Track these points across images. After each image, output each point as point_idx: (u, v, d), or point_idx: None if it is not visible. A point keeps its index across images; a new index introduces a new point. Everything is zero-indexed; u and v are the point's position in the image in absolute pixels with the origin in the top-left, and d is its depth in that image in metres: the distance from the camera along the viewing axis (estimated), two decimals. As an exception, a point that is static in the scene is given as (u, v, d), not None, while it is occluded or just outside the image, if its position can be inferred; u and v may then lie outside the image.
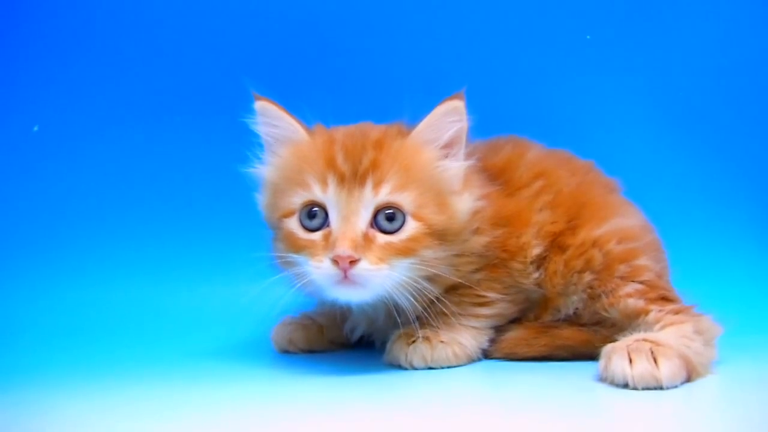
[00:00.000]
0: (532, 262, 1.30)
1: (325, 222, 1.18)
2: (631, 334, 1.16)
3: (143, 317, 1.70)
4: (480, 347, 1.29)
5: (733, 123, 1.88)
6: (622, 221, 1.31)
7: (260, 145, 1.28)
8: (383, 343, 1.31)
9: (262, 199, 1.29)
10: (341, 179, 1.17)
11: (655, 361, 1.08)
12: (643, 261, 1.26)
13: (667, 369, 1.07)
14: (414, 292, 1.18)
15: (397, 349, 1.26)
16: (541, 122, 1.81)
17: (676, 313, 1.22)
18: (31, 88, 1.88)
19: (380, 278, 1.14)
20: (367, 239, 1.15)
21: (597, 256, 1.27)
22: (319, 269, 1.14)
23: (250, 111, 1.25)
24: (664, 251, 1.35)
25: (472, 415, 1.00)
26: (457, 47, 1.88)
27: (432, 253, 1.19)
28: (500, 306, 1.30)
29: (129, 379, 1.25)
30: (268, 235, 1.28)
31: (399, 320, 1.22)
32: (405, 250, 1.16)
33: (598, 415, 1.01)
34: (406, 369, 1.24)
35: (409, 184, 1.18)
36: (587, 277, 1.27)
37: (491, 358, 1.30)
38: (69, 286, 1.78)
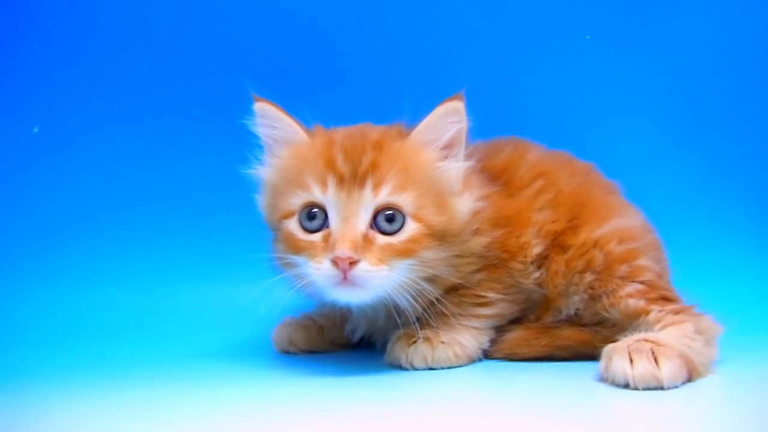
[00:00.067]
0: (532, 262, 1.30)
1: (324, 223, 1.18)
2: (632, 334, 1.16)
3: (144, 318, 1.70)
4: (481, 347, 1.29)
5: (733, 123, 1.88)
6: (622, 221, 1.31)
7: (260, 147, 1.28)
8: (384, 344, 1.31)
9: (261, 201, 1.29)
10: (341, 180, 1.17)
11: (656, 361, 1.08)
12: (643, 261, 1.26)
13: (668, 369, 1.07)
14: (414, 293, 1.18)
15: (397, 349, 1.26)
16: (541, 122, 1.81)
17: (677, 313, 1.22)
18: (31, 90, 1.88)
19: (380, 279, 1.14)
20: (366, 240, 1.15)
21: (598, 256, 1.27)
22: (318, 270, 1.14)
23: (250, 112, 1.25)
24: (664, 251, 1.35)
25: (473, 416, 1.00)
26: (457, 48, 1.88)
27: (432, 254, 1.19)
28: (500, 306, 1.30)
29: (129, 379, 1.25)
30: (268, 236, 1.28)
31: (399, 321, 1.22)
32: (405, 251, 1.16)
33: (598, 415, 1.01)
34: (406, 369, 1.24)
35: (408, 185, 1.17)
36: (588, 277, 1.27)
37: (492, 359, 1.30)
38: (69, 287, 1.78)
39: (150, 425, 0.98)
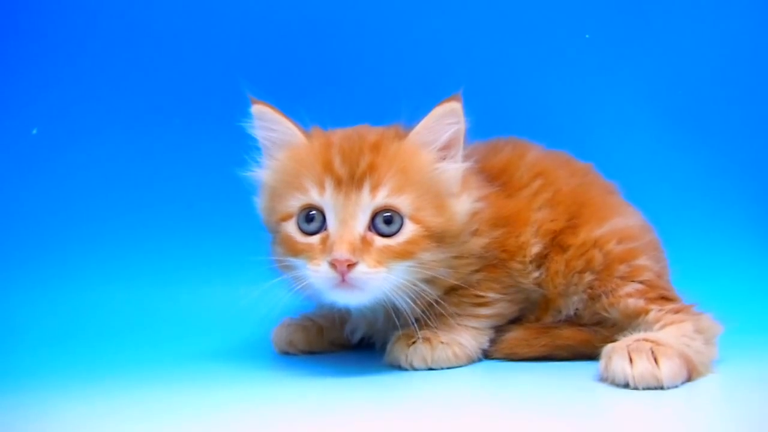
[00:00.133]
0: (531, 261, 1.30)
1: (322, 225, 1.18)
2: (632, 333, 1.16)
3: (143, 320, 1.70)
4: (480, 347, 1.29)
5: (733, 123, 1.88)
6: (622, 221, 1.31)
7: (258, 149, 1.28)
8: (383, 345, 1.31)
9: (260, 203, 1.29)
10: (338, 183, 1.17)
11: (656, 360, 1.08)
12: (642, 261, 1.26)
13: (668, 368, 1.07)
14: (412, 295, 1.18)
15: (397, 350, 1.26)
16: (540, 122, 1.81)
17: (676, 312, 1.22)
18: (30, 91, 1.88)
19: (378, 281, 1.14)
20: (364, 242, 1.15)
21: (597, 256, 1.27)
22: (317, 273, 1.14)
23: (247, 115, 1.25)
24: (663, 251, 1.35)
25: (473, 416, 1.00)
26: (455, 48, 1.88)
27: (430, 255, 1.19)
28: (500, 306, 1.30)
29: (129, 381, 1.25)
30: (266, 238, 1.28)
31: (398, 322, 1.23)
32: (403, 253, 1.16)
33: (598, 415, 1.01)
34: (406, 370, 1.24)
35: (406, 187, 1.17)
36: (588, 277, 1.27)
37: (492, 359, 1.30)
38: (70, 289, 1.78)
39: (150, 426, 0.98)
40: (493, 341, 1.30)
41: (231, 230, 1.69)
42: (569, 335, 1.28)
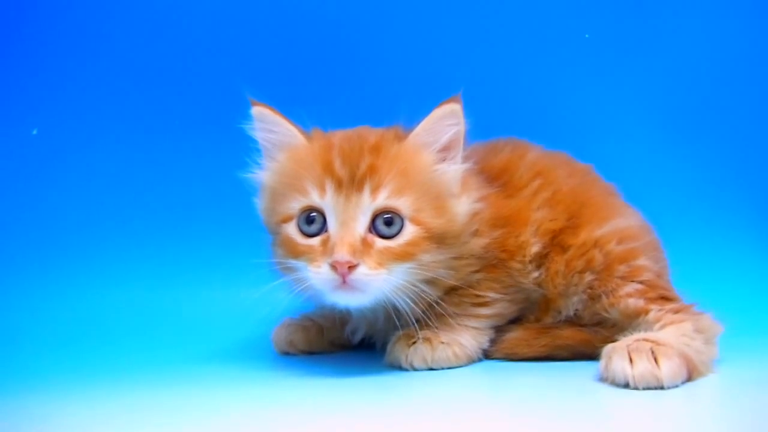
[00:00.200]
0: (531, 261, 1.30)
1: (323, 227, 1.18)
2: (632, 334, 1.16)
3: (144, 321, 1.70)
4: (480, 347, 1.29)
5: (733, 123, 1.88)
6: (622, 221, 1.31)
7: (258, 151, 1.28)
8: (384, 345, 1.31)
9: (260, 204, 1.29)
10: (339, 184, 1.17)
11: (656, 360, 1.08)
12: (642, 261, 1.26)
13: (668, 368, 1.07)
14: (413, 296, 1.18)
15: (397, 350, 1.26)
16: (539, 123, 1.81)
17: (676, 312, 1.22)
18: (30, 92, 1.88)
19: (379, 283, 1.14)
20: (365, 244, 1.15)
21: (597, 256, 1.27)
22: (317, 275, 1.14)
23: (248, 117, 1.25)
24: (663, 251, 1.35)
25: (473, 416, 1.00)
26: (455, 50, 1.88)
27: (430, 256, 1.19)
28: (500, 306, 1.30)
29: (130, 382, 1.26)
30: (267, 240, 1.28)
31: (398, 323, 1.23)
32: (403, 255, 1.16)
33: (598, 415, 1.01)
34: (406, 370, 1.25)
35: (406, 188, 1.17)
36: (588, 277, 1.27)
37: (492, 359, 1.30)
38: (70, 290, 1.78)
39: (151, 427, 0.98)
40: (493, 341, 1.30)
41: (232, 232, 1.69)
42: (569, 335, 1.28)
